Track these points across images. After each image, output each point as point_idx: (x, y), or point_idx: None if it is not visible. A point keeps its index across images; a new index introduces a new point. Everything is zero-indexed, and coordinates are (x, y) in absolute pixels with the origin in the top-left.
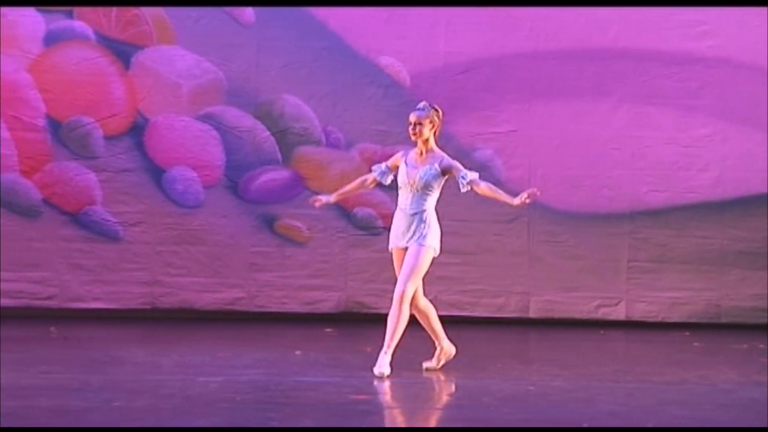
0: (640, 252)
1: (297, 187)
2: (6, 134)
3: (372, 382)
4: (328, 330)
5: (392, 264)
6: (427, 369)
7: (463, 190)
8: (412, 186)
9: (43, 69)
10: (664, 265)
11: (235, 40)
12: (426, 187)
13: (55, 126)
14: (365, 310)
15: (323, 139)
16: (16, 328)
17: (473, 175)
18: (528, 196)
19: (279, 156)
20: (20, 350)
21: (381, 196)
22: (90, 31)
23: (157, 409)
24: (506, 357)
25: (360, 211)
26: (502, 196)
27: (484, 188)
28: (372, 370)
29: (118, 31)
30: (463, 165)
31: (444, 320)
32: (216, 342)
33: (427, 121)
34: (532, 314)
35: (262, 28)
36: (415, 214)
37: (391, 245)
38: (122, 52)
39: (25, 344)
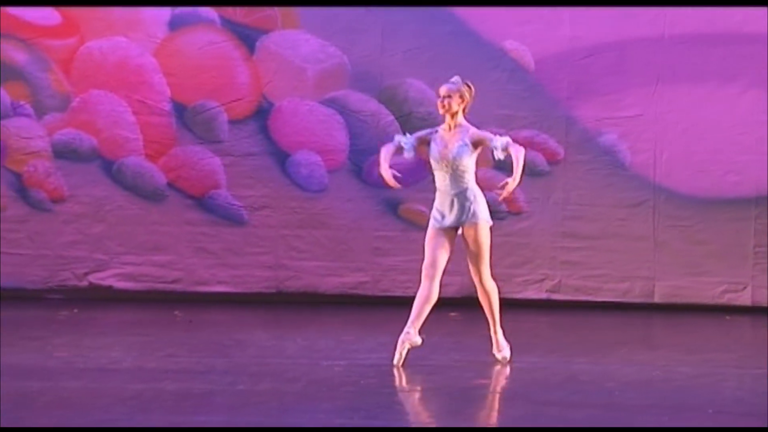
0: (766, 237)
1: (421, 172)
2: (131, 118)
3: (495, 367)
4: (452, 314)
5: (517, 248)
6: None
7: (499, 156)
8: (446, 166)
9: (168, 53)
10: None
11: (360, 25)
12: (461, 165)
13: (180, 110)
14: None
15: None
16: (142, 312)
17: (504, 141)
18: (503, 192)
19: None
20: (146, 334)
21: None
22: (215, 16)
23: (281, 393)
24: (631, 342)
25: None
26: (515, 170)
27: (515, 155)
28: (494, 356)
29: (243, 16)
30: (587, 149)
31: (568, 305)
32: (340, 326)
33: (458, 95)
34: (657, 299)
35: (387, 12)
36: (458, 193)
37: (432, 225)
38: (247, 37)
39: (150, 328)
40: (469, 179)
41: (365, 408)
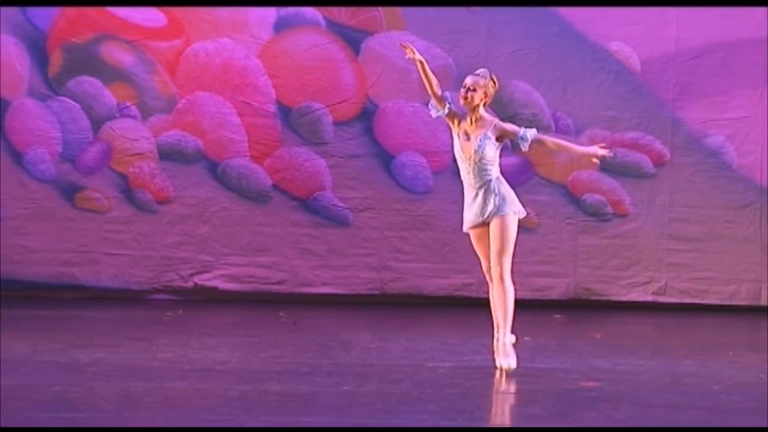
0: None
1: (526, 173)
2: (236, 120)
3: (602, 369)
4: (557, 316)
5: (622, 251)
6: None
7: (525, 149)
8: (469, 159)
9: (273, 55)
10: None
11: (465, 26)
12: (484, 158)
13: (285, 112)
14: (594, 297)
15: (552, 125)
16: (246, 313)
17: (532, 133)
18: (601, 151)
19: (508, 142)
20: (250, 335)
21: (611, 182)
22: (320, 17)
23: (386, 394)
24: (737, 345)
25: (589, 197)
26: (574, 147)
27: (552, 143)
28: (601, 358)
29: (348, 17)
30: (693, 151)
31: (674, 307)
32: (444, 327)
33: (482, 90)
34: (764, 302)
35: (492, 13)
36: (482, 186)
37: (466, 227)
38: (352, 38)
39: (255, 329)
40: (494, 172)
41: (469, 410)
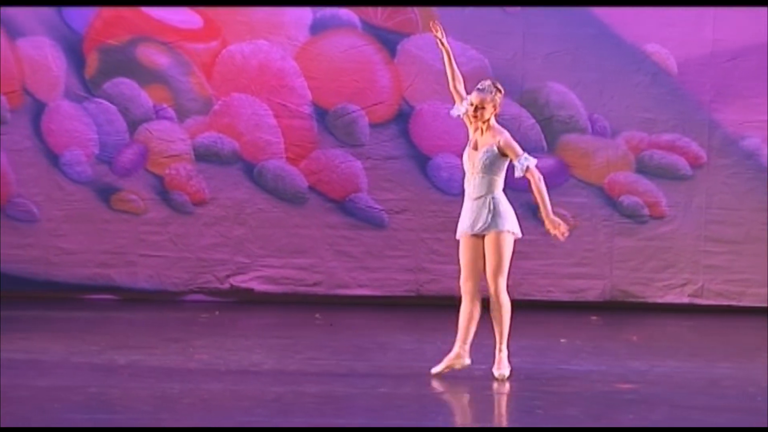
0: None
1: (562, 175)
2: (272, 121)
3: (638, 371)
4: (594, 318)
5: (658, 252)
6: (433, 373)
7: (518, 175)
8: (473, 169)
9: (309, 57)
10: None
11: (501, 28)
12: (487, 169)
13: (321, 113)
14: (631, 299)
15: (589, 126)
16: (282, 315)
17: (531, 162)
18: (560, 232)
19: (544, 144)
20: (286, 336)
21: (647, 184)
22: (356, 19)
23: (422, 396)
24: None
25: (626, 199)
26: (543, 203)
27: (534, 185)
28: (637, 360)
29: (384, 19)
30: (730, 153)
31: (711, 309)
32: (480, 330)
33: (491, 105)
34: None
35: (528, 15)
36: (479, 197)
37: (458, 235)
38: (388, 40)
39: (290, 330)
40: (494, 186)
41: (506, 412)
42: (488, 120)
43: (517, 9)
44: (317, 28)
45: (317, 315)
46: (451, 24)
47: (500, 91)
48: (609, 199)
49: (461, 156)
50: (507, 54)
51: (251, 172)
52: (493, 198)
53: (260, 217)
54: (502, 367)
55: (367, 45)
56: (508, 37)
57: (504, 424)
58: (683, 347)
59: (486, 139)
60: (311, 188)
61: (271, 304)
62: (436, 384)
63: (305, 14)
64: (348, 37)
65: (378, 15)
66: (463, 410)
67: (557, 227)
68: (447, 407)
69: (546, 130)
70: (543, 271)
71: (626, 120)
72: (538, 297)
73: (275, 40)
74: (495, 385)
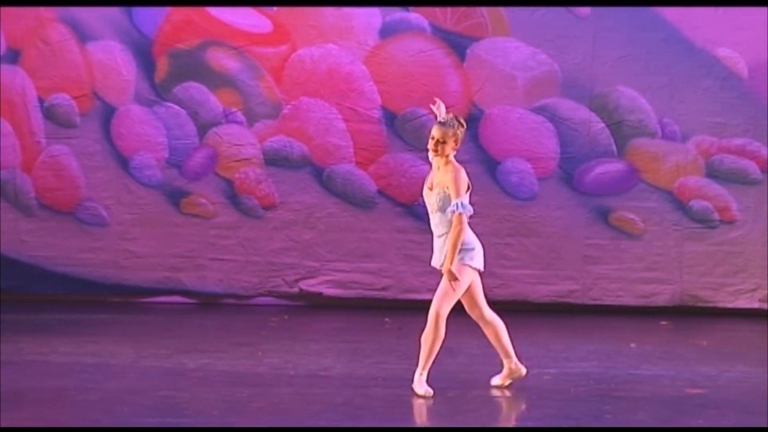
0: None
1: (632, 180)
2: (342, 126)
3: (708, 376)
4: (663, 323)
5: (728, 257)
6: (493, 386)
7: (447, 215)
8: (430, 207)
9: (378, 61)
10: None
11: (571, 32)
12: (443, 209)
13: (390, 118)
14: (701, 304)
15: (659, 131)
16: (351, 319)
17: (464, 210)
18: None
19: (614, 148)
20: (355, 340)
21: (717, 188)
22: (425, 23)
23: (490, 400)
24: None
25: (696, 204)
26: (450, 254)
27: (452, 232)
28: (707, 365)
29: (453, 23)
30: None
31: None
32: (549, 334)
33: (453, 139)
34: None
35: (598, 19)
36: (441, 236)
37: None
38: (457, 44)
39: (360, 335)
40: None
41: (575, 416)
42: (447, 155)
43: (588, 11)
44: (387, 32)
45: (386, 319)
46: (521, 28)
47: (462, 126)
48: (679, 203)
49: (531, 160)
50: (577, 58)
51: (320, 176)
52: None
53: (329, 222)
54: (421, 388)
55: (436, 49)
56: (577, 41)
57: (572, 427)
58: (753, 352)
59: (440, 178)
60: (380, 192)
61: (340, 308)
62: (505, 388)
63: (375, 18)
64: (417, 41)
65: (447, 19)
66: (532, 415)
67: (450, 279)
68: (517, 411)
69: (615, 135)
70: (613, 276)
71: (696, 124)
72: (608, 302)
73: (345, 44)
74: (564, 389)
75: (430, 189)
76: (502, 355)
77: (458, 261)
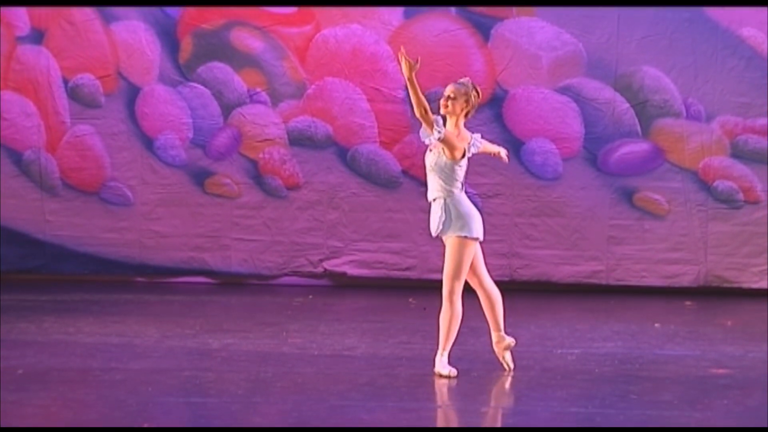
0: None
1: (656, 160)
2: (366, 106)
3: (733, 356)
4: (688, 303)
5: (753, 238)
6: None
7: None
8: (427, 168)
9: (402, 41)
10: None
11: (595, 12)
12: (438, 170)
13: None
14: (725, 284)
15: (683, 111)
16: (376, 299)
17: (478, 142)
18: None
19: (638, 128)
20: (380, 320)
21: (742, 169)
22: (450, 3)
23: (515, 380)
24: None
25: (721, 184)
26: (495, 150)
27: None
28: (732, 345)
29: (478, 3)
30: None
31: None
32: (574, 314)
33: (463, 98)
34: None
35: None
36: (435, 200)
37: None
38: (482, 24)
39: (384, 314)
40: (448, 189)
41: (600, 397)
42: (458, 116)
43: None
44: (411, 12)
45: (411, 299)
46: (545, 9)
47: (477, 92)
48: (703, 183)
49: (555, 140)
50: (601, 38)
51: (345, 156)
52: (451, 200)
53: (353, 202)
54: (443, 368)
55: (460, 29)
56: (602, 20)
57: (596, 408)
58: None
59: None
60: (404, 172)
61: (364, 288)
62: (529, 368)
63: None
64: (441, 21)
65: None
66: (556, 395)
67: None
68: (541, 392)
69: (640, 115)
70: (637, 257)
71: (721, 104)
72: (633, 282)
73: (369, 24)
74: (589, 369)
75: (430, 150)
76: (492, 326)
77: (459, 236)
